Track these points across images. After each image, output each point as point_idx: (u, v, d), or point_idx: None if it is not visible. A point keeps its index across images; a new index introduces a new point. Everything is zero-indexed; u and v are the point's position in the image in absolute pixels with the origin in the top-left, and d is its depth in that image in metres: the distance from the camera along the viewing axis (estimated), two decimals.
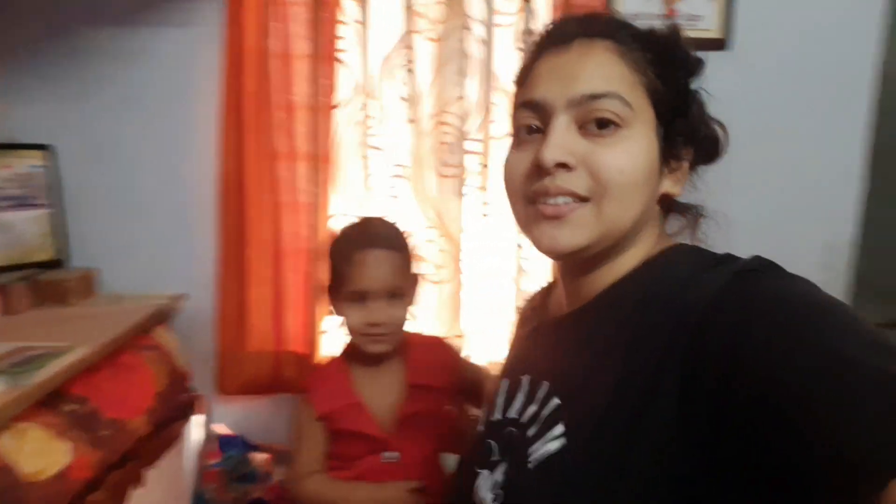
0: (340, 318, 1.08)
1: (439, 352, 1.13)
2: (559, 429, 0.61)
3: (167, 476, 1.56)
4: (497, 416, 0.74)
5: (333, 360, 1.11)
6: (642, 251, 0.67)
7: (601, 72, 0.62)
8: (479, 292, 1.80)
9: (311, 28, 1.69)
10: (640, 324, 0.59)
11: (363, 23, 1.68)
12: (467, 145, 1.72)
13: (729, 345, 0.50)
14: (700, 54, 0.68)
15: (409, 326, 1.10)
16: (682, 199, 0.71)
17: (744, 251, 0.61)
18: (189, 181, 1.79)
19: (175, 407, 1.62)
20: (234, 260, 1.78)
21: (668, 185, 0.66)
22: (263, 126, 1.73)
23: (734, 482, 0.48)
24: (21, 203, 1.65)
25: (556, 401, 0.63)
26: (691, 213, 0.72)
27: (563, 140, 0.61)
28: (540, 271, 1.80)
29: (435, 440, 1.07)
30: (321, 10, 1.68)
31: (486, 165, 1.72)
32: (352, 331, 1.05)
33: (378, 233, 1.05)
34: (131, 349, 1.51)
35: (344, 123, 1.76)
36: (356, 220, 1.12)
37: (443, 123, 1.73)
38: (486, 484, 0.68)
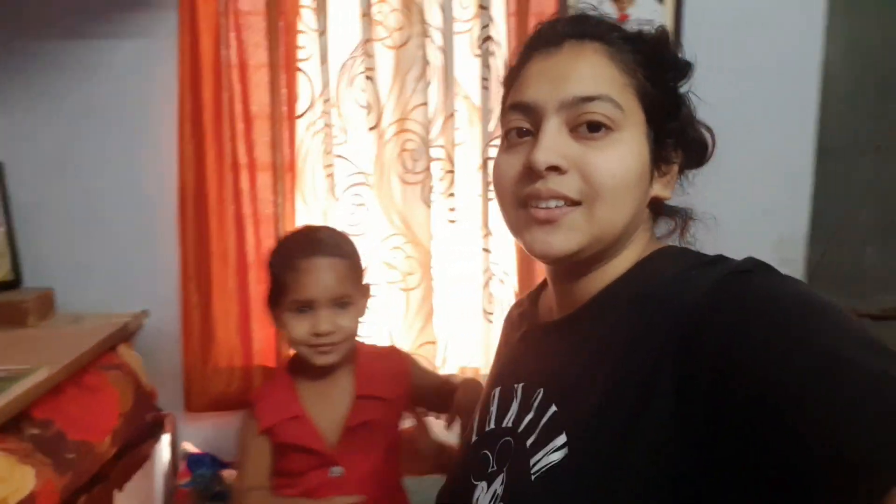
0: (284, 331, 1.04)
1: (391, 362, 1.09)
2: (561, 439, 0.59)
3: (137, 498, 1.52)
4: (491, 425, 0.72)
5: (278, 374, 1.08)
6: (633, 254, 0.66)
7: (592, 74, 0.62)
8: (450, 298, 1.81)
9: (269, 37, 1.68)
10: (633, 325, 0.58)
11: (322, 31, 1.68)
12: (431, 152, 1.73)
13: (724, 344, 0.50)
14: None
15: (365, 337, 1.08)
16: (672, 201, 0.71)
17: (703, 247, 0.64)
18: (148, 195, 1.76)
19: (142, 427, 1.58)
20: (198, 274, 1.75)
21: (659, 189, 0.66)
22: (223, 137, 1.71)
23: (733, 483, 0.48)
24: None
25: (553, 408, 0.62)
26: (680, 216, 0.71)
27: (554, 143, 0.61)
28: (509, 276, 1.82)
29: (385, 454, 1.03)
30: (279, 20, 1.67)
31: (451, 171, 1.73)
32: (296, 343, 0.99)
33: (323, 240, 1.01)
34: (95, 369, 1.47)
35: (306, 133, 1.75)
36: (299, 228, 1.09)
37: (405, 131, 1.73)
38: (486, 497, 0.66)
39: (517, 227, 0.66)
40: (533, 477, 0.60)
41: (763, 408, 0.45)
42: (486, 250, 1.76)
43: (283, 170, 1.72)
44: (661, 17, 1.79)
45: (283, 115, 1.70)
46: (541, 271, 1.80)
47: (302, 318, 0.98)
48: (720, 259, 0.60)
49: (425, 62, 1.70)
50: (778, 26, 1.81)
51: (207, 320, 1.75)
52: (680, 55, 0.67)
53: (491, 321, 1.79)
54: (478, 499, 0.67)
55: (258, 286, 1.77)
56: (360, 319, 1.03)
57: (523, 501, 0.61)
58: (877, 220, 2.14)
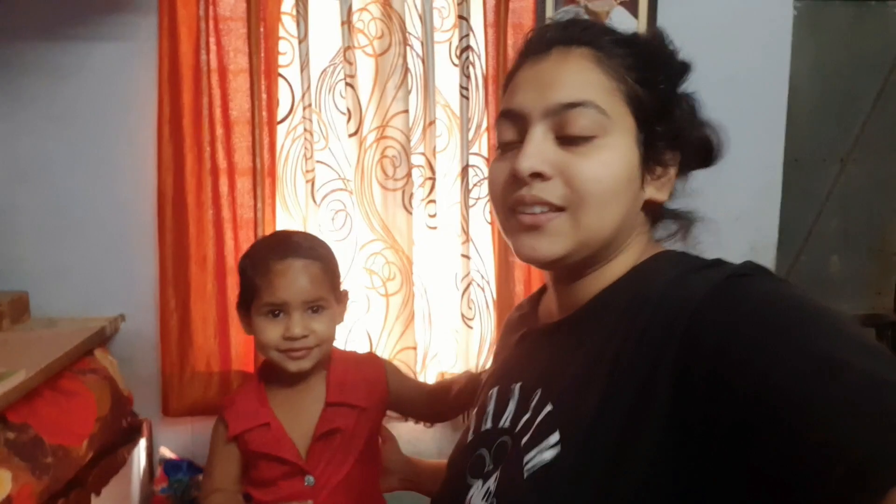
0: (255, 336, 1.00)
1: (367, 369, 1.05)
2: (554, 437, 0.59)
3: (114, 501, 1.51)
4: (488, 425, 0.72)
5: (249, 380, 1.04)
6: (631, 258, 0.66)
7: (577, 80, 0.62)
8: (430, 304, 1.83)
9: (249, 43, 1.69)
10: (630, 328, 0.58)
11: (302, 38, 1.69)
12: (412, 159, 1.75)
13: (722, 347, 0.50)
14: None
15: (344, 343, 1.06)
16: (674, 204, 0.71)
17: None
18: (126, 199, 1.75)
19: (118, 432, 1.57)
20: (176, 278, 1.74)
21: (653, 192, 0.65)
22: (203, 141, 1.72)
23: (729, 485, 0.48)
24: None
25: (548, 407, 0.62)
26: (682, 219, 0.70)
27: (538, 150, 0.61)
28: (489, 282, 1.84)
29: (358, 463, 0.99)
30: (259, 25, 1.68)
31: (431, 178, 1.75)
32: (267, 348, 0.96)
33: (297, 242, 0.99)
34: (71, 373, 1.46)
35: (286, 138, 1.76)
36: (272, 233, 1.10)
37: (385, 137, 1.75)
38: (479, 494, 0.66)
39: (507, 233, 0.67)
40: (525, 475, 0.60)
41: (760, 410, 0.45)
42: (465, 256, 1.79)
43: (263, 175, 1.72)
44: (635, 29, 1.84)
45: (263, 120, 1.71)
46: (519, 278, 1.83)
47: (274, 322, 0.95)
48: (718, 263, 0.60)
49: (405, 70, 1.73)
50: (748, 41, 1.87)
51: (185, 325, 1.75)
52: (676, 56, 0.66)
53: (470, 326, 1.82)
54: (472, 497, 0.67)
55: (237, 291, 1.76)
56: (335, 325, 1.00)
57: (514, 498, 0.60)
58: (841, 230, 2.22)
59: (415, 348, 1.80)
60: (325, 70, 1.74)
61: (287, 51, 1.72)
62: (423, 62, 1.73)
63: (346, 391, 0.99)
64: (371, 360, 1.09)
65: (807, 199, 2.09)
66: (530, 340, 0.75)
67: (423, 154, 1.76)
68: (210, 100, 1.71)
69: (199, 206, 1.73)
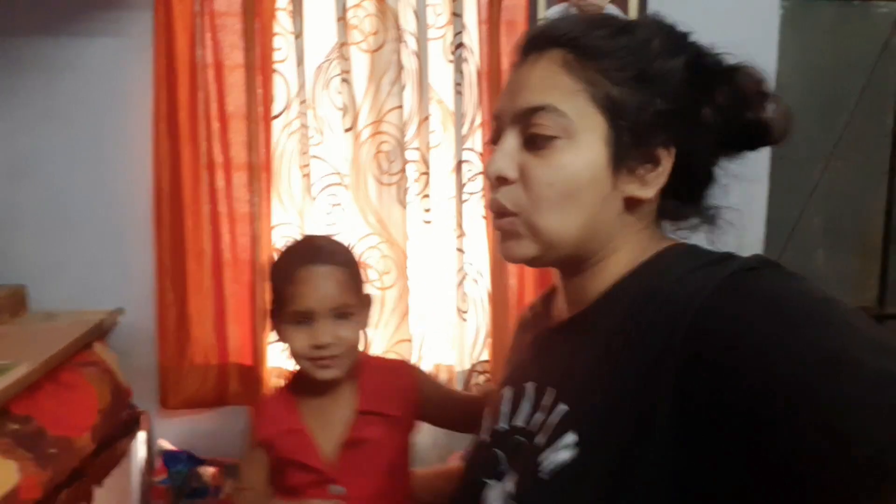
0: (284, 345, 1.00)
1: (398, 377, 1.02)
2: (571, 437, 0.59)
3: (114, 494, 1.53)
4: (502, 424, 0.72)
5: (280, 389, 1.04)
6: (632, 253, 0.66)
7: (540, 84, 0.63)
8: (425, 297, 1.86)
9: (245, 38, 1.70)
10: (640, 325, 0.58)
11: (298, 34, 1.71)
12: (406, 154, 1.77)
13: (730, 343, 0.50)
14: None
15: (364, 349, 1.03)
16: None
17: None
18: (123, 194, 1.76)
19: (118, 424, 1.59)
20: (173, 272, 1.76)
21: (634, 189, 0.64)
22: (199, 136, 1.73)
23: (739, 482, 0.48)
24: None
25: (563, 407, 0.62)
26: (698, 213, 0.69)
27: (503, 154, 0.64)
28: (483, 275, 1.87)
29: (389, 474, 0.97)
30: (255, 21, 1.69)
31: (426, 173, 1.77)
32: (296, 356, 0.95)
33: (322, 248, 0.98)
34: (71, 366, 1.48)
35: (281, 133, 1.78)
36: (299, 237, 1.06)
37: (380, 133, 1.78)
38: (496, 494, 0.66)
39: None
40: (541, 474, 0.60)
41: (771, 405, 0.46)
42: (460, 250, 1.82)
43: (259, 169, 1.74)
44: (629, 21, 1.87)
45: (259, 115, 1.73)
46: (513, 271, 1.87)
47: (301, 331, 0.93)
48: (727, 257, 0.59)
49: (400, 66, 1.75)
50: (736, 39, 1.89)
51: (183, 318, 1.77)
52: (670, 43, 0.64)
53: (465, 319, 1.85)
54: (488, 497, 0.67)
55: (233, 285, 1.79)
56: (362, 331, 0.99)
57: (535, 499, 0.61)
58: (826, 225, 2.27)
59: (410, 340, 1.82)
60: (320, 66, 1.76)
61: (282, 46, 1.74)
62: (418, 58, 1.76)
63: (378, 399, 0.97)
64: (403, 368, 1.07)
65: (792, 195, 2.13)
66: (543, 339, 0.75)
67: (418, 149, 1.79)
68: (206, 95, 1.73)
69: (195, 200, 1.75)
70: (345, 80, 1.73)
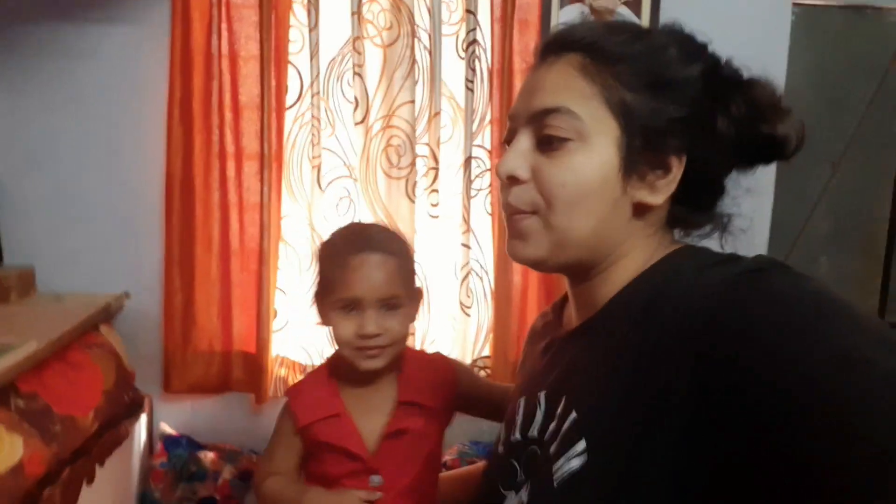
0: (328, 329, 0.97)
1: (439, 369, 1.01)
2: (581, 445, 0.59)
3: (114, 475, 1.54)
4: (517, 435, 0.72)
5: (318, 371, 1.01)
6: (640, 258, 0.66)
7: (556, 86, 0.63)
8: (429, 291, 1.87)
9: (261, 30, 1.72)
10: (648, 331, 0.58)
11: (313, 27, 1.72)
12: (416, 149, 1.79)
13: (738, 347, 0.50)
14: None
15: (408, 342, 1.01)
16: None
17: None
18: (135, 180, 1.78)
19: (121, 405, 1.60)
20: (181, 259, 1.77)
21: (644, 195, 0.64)
22: (212, 125, 1.75)
23: (750, 486, 0.48)
24: None
25: (573, 415, 0.62)
26: (710, 219, 0.69)
27: (515, 155, 0.64)
28: (487, 271, 1.88)
29: (424, 466, 0.95)
30: (271, 13, 1.71)
31: (435, 168, 1.79)
32: (341, 344, 0.93)
33: (374, 236, 0.95)
34: (78, 346, 1.49)
35: (293, 125, 1.79)
36: (350, 223, 1.04)
37: (391, 127, 1.79)
38: None
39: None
40: (555, 484, 0.60)
41: (779, 404, 0.46)
42: (465, 246, 1.83)
43: (270, 159, 1.75)
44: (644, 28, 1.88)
45: (272, 106, 1.74)
46: (517, 268, 1.88)
47: (348, 318, 0.91)
48: (732, 258, 0.59)
49: (413, 61, 1.76)
50: (746, 43, 1.89)
51: (189, 305, 1.78)
52: (687, 52, 0.64)
53: (468, 314, 1.86)
54: None
55: (240, 273, 1.81)
56: (409, 324, 0.96)
57: None
58: (831, 231, 2.27)
59: (413, 334, 1.83)
60: (333, 59, 1.78)
61: (297, 39, 1.76)
62: (430, 54, 1.77)
63: (418, 391, 0.96)
64: (441, 361, 1.05)
65: (798, 200, 2.14)
66: (554, 348, 0.75)
67: (428, 144, 1.80)
68: (220, 84, 1.75)
69: (206, 188, 1.76)
70: (358, 74, 1.75)
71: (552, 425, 0.65)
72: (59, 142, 1.74)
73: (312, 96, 1.75)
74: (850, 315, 0.48)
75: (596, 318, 0.66)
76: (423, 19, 1.78)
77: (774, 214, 2.03)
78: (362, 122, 1.77)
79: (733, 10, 1.90)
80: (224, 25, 1.73)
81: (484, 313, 1.90)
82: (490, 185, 1.85)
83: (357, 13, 1.73)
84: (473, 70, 1.78)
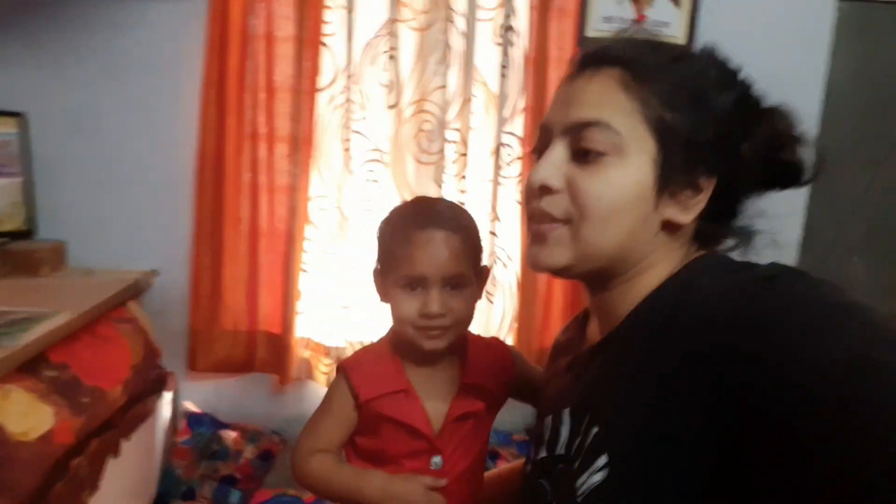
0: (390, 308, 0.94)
1: (497, 353, 0.99)
2: (602, 459, 0.60)
3: (139, 450, 1.55)
4: (543, 453, 0.73)
5: (378, 347, 0.97)
6: (663, 272, 0.66)
7: (596, 99, 0.64)
8: None
9: (297, 10, 1.71)
10: (666, 341, 0.59)
11: (349, 9, 1.71)
12: (447, 134, 1.77)
13: (756, 352, 0.50)
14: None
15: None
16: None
17: None
18: (167, 157, 1.79)
19: (147, 382, 1.61)
20: (210, 238, 1.78)
21: (674, 213, 0.64)
22: (245, 106, 1.75)
23: (769, 492, 0.49)
24: None
25: (596, 430, 0.63)
26: (734, 235, 0.69)
27: (550, 164, 0.64)
28: (513, 260, 1.87)
29: (479, 451, 0.93)
30: None
31: (464, 154, 1.77)
32: (403, 323, 0.89)
33: (441, 212, 0.91)
34: (107, 321, 1.50)
35: (326, 107, 1.79)
36: (415, 198, 1.00)
37: (423, 111, 1.78)
38: None
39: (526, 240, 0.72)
40: (578, 499, 0.61)
41: (793, 410, 0.46)
42: (492, 234, 1.81)
43: (301, 141, 1.75)
44: (676, 19, 1.85)
45: (305, 87, 1.74)
46: None
47: (411, 296, 0.88)
48: (747, 266, 0.60)
49: (447, 46, 1.75)
50: (787, 39, 1.87)
51: (217, 284, 1.79)
52: (724, 75, 0.65)
53: (491, 302, 1.85)
54: None
55: (268, 254, 1.81)
56: (474, 304, 0.92)
57: None
58: (865, 232, 2.22)
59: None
60: (369, 42, 1.77)
61: (333, 20, 1.75)
62: (466, 39, 1.75)
63: (482, 375, 0.94)
64: (498, 345, 1.03)
65: (835, 200, 2.09)
66: (578, 364, 0.75)
67: (458, 130, 1.78)
68: (255, 65, 1.74)
69: (237, 168, 1.77)
70: (392, 57, 1.73)
71: (577, 441, 0.66)
72: (97, 115, 1.76)
73: (346, 78, 1.74)
74: (861, 318, 0.49)
75: (617, 331, 0.67)
76: (459, 4, 1.76)
77: (809, 215, 1.99)
78: (394, 106, 1.76)
79: (774, 5, 1.85)
80: (261, 5, 1.72)
81: (508, 302, 1.89)
82: (520, 174, 1.83)
83: None
84: (508, 56, 1.76)
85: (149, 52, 1.73)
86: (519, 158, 1.83)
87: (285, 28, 1.73)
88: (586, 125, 0.63)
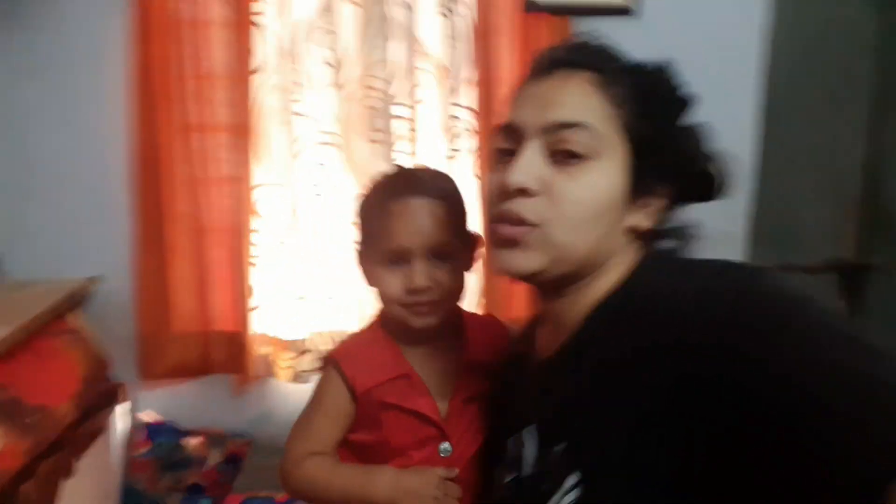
0: (373, 288, 0.89)
1: (497, 329, 0.95)
2: (573, 479, 0.60)
3: (95, 468, 1.47)
4: (510, 476, 0.72)
5: (369, 332, 0.91)
6: (616, 274, 0.67)
7: (575, 102, 0.63)
8: None
9: None
10: (624, 347, 0.60)
11: None
12: (394, 110, 1.71)
13: (717, 351, 0.52)
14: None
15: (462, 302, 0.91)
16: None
17: None
18: (97, 157, 1.68)
19: (98, 395, 1.52)
20: (152, 238, 1.68)
21: (638, 219, 0.66)
22: (177, 96, 1.65)
23: (756, 495, 0.50)
24: None
25: (561, 447, 0.63)
26: (679, 237, 0.71)
27: (528, 165, 0.63)
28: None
29: (482, 435, 0.88)
30: None
31: (414, 130, 1.71)
32: (389, 302, 0.84)
33: (419, 179, 0.86)
34: (46, 335, 1.40)
35: (265, 90, 1.70)
36: (392, 167, 0.93)
37: (369, 88, 1.71)
38: None
39: (489, 243, 0.69)
40: None
41: (764, 412, 0.48)
42: None
43: (240, 128, 1.66)
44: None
45: (238, 72, 1.65)
46: None
47: (394, 272, 0.82)
48: (696, 264, 0.64)
49: (387, 18, 1.68)
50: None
51: (163, 285, 1.69)
52: (678, 91, 0.68)
53: None
54: None
55: (215, 250, 1.72)
56: (464, 275, 0.86)
57: None
58: (814, 179, 2.26)
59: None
60: (305, 19, 1.68)
61: None
62: (409, 10, 1.68)
63: (484, 352, 0.88)
64: (496, 322, 0.98)
65: (783, 145, 2.12)
66: (534, 379, 0.73)
67: (407, 105, 1.72)
68: (182, 52, 1.64)
69: (174, 163, 1.67)
70: (331, 33, 1.66)
71: (543, 461, 0.66)
72: (17, 117, 1.64)
73: (282, 59, 1.65)
74: (815, 314, 0.52)
75: (573, 341, 0.67)
76: None
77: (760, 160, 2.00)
78: (338, 84, 1.68)
79: None
80: None
81: (473, 277, 1.85)
82: (478, 148, 1.78)
83: None
84: (453, 26, 1.70)
85: (68, 45, 1.62)
86: (470, 131, 1.78)
87: (212, 10, 1.63)
88: (567, 126, 0.62)
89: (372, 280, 0.87)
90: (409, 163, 1.74)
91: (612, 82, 0.64)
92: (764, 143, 1.98)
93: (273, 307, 1.78)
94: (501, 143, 0.68)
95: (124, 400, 1.68)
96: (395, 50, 1.70)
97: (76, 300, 1.58)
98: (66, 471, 1.30)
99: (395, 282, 0.82)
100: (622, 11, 1.80)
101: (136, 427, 1.72)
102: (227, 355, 1.74)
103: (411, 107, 1.72)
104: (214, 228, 1.71)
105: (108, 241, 1.70)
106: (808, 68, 2.08)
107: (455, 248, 0.83)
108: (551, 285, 0.68)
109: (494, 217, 0.66)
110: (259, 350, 1.78)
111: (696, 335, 0.53)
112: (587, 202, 0.62)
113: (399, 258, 0.82)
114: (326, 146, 1.73)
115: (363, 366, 0.85)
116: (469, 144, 1.79)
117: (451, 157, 1.75)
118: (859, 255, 2.23)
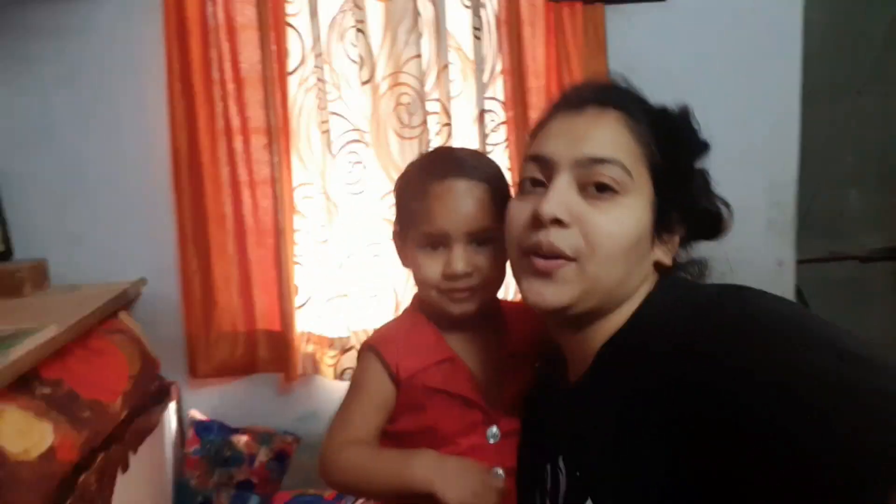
0: (410, 272, 0.87)
1: (534, 319, 0.87)
2: None
3: (149, 463, 1.50)
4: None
5: (408, 318, 0.88)
6: (628, 311, 0.68)
7: (608, 138, 0.65)
8: None
9: None
10: (632, 376, 0.62)
11: None
12: (427, 106, 1.72)
13: (710, 373, 0.53)
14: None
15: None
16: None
17: None
18: (139, 161, 1.72)
19: (148, 392, 1.55)
20: (195, 240, 1.71)
21: (660, 255, 0.69)
22: (214, 99, 1.68)
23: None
24: None
25: (578, 475, 0.66)
26: (693, 270, 0.74)
27: (562, 197, 0.64)
28: None
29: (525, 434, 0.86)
30: None
31: (447, 125, 1.72)
32: (425, 286, 0.81)
33: (462, 161, 0.82)
34: (98, 333, 1.44)
35: (298, 91, 1.73)
36: (432, 149, 0.94)
37: (399, 84, 1.72)
38: None
39: (517, 273, 0.70)
40: None
41: (757, 428, 0.49)
42: None
43: (277, 129, 1.69)
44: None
45: (275, 73, 1.67)
46: None
47: (433, 256, 0.80)
48: (697, 288, 0.67)
49: (416, 14, 1.69)
50: None
51: (208, 286, 1.72)
52: (697, 134, 0.71)
53: None
54: None
55: (258, 250, 1.75)
56: (504, 261, 0.81)
57: None
58: (858, 164, 2.20)
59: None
60: (334, 18, 1.71)
61: (294, 0, 1.68)
62: (434, 5, 1.70)
63: (526, 343, 0.86)
64: (533, 312, 0.94)
65: (824, 133, 2.06)
66: (561, 405, 0.75)
67: (438, 100, 1.73)
68: (219, 55, 1.68)
69: (213, 164, 1.70)
70: (360, 31, 1.68)
71: (569, 491, 0.68)
72: (59, 125, 1.68)
73: (315, 58, 1.68)
74: (808, 328, 0.53)
75: (591, 372, 0.69)
76: None
77: (803, 148, 1.95)
78: (368, 81, 1.70)
79: None
80: None
81: None
82: (507, 139, 1.78)
83: None
84: (480, 18, 1.71)
85: (105, 52, 1.66)
86: (504, 123, 1.78)
87: (246, 13, 1.67)
88: (600, 161, 0.64)
89: (408, 263, 0.85)
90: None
91: (639, 123, 0.67)
92: (805, 126, 1.92)
93: (316, 305, 1.80)
94: (531, 172, 0.69)
95: (175, 398, 1.72)
96: (425, 45, 1.71)
97: (125, 301, 1.63)
98: (123, 463, 1.33)
99: (434, 266, 0.80)
100: None
101: (187, 425, 1.75)
102: (272, 354, 1.76)
103: (443, 101, 1.72)
104: (256, 229, 1.74)
105: (153, 243, 1.74)
106: (849, 49, 2.03)
107: (496, 232, 0.78)
108: (574, 319, 0.68)
109: (528, 248, 0.67)
110: (304, 348, 1.80)
111: (691, 369, 0.55)
112: (618, 236, 0.64)
113: (438, 242, 0.80)
114: (360, 144, 1.75)
115: (405, 351, 0.82)
116: (502, 138, 1.79)
117: (486, 151, 1.75)
118: None
